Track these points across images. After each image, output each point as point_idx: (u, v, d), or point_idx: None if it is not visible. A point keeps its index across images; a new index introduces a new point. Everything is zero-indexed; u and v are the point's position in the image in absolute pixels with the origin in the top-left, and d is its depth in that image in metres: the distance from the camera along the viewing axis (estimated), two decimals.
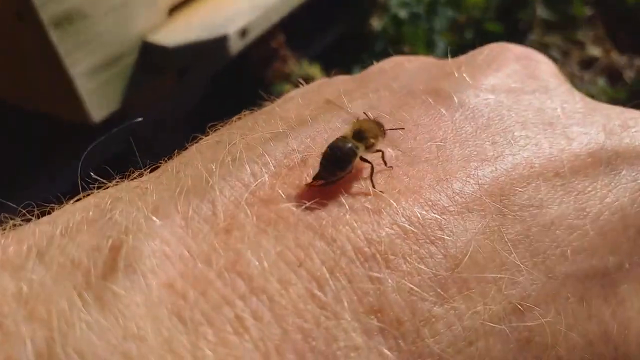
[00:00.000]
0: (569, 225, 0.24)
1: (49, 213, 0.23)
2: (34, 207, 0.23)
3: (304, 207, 0.22)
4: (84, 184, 0.25)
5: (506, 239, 0.23)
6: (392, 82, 0.31)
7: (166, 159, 0.27)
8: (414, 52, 1.70)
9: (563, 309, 0.23)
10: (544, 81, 0.31)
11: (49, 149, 1.05)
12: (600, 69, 1.93)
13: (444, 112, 0.27)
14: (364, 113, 0.27)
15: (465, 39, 1.84)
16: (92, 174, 0.26)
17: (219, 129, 0.29)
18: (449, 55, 0.33)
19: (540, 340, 0.23)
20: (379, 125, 0.26)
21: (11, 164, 1.01)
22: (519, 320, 0.22)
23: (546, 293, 0.23)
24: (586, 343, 0.24)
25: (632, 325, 0.25)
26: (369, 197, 0.23)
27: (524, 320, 0.22)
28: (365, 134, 0.25)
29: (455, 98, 0.28)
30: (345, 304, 0.19)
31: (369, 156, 0.25)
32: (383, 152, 0.25)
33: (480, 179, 0.24)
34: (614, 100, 1.73)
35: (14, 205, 0.24)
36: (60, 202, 0.24)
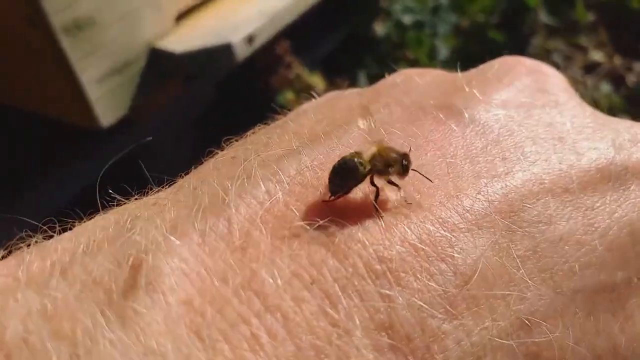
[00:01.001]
0: (577, 241, 0.25)
1: (70, 229, 0.24)
2: (56, 224, 0.24)
3: (317, 225, 0.22)
4: (90, 197, 0.26)
5: (515, 255, 0.23)
6: (403, 96, 0.31)
7: (183, 173, 0.28)
8: (417, 57, 1.71)
9: (571, 324, 0.23)
10: (554, 95, 0.31)
11: (53, 153, 1.05)
12: (603, 74, 1.94)
13: (454, 127, 0.28)
14: (406, 145, 0.27)
15: (468, 44, 1.84)
16: (103, 188, 0.26)
17: (233, 143, 0.30)
18: (458, 67, 0.33)
19: (548, 355, 0.23)
20: (402, 157, 0.26)
21: (16, 168, 1.02)
22: (526, 335, 0.22)
23: (554, 308, 0.23)
24: (594, 357, 0.24)
25: None
26: (381, 214, 0.23)
27: (532, 336, 0.23)
28: (379, 159, 0.25)
29: (465, 114, 0.28)
30: (357, 321, 0.20)
31: (381, 183, 0.25)
32: (399, 188, 0.25)
33: (490, 196, 0.24)
34: (617, 106, 1.74)
35: (32, 221, 0.25)
36: (65, 212, 0.25)
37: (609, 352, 0.24)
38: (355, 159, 0.25)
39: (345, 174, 0.25)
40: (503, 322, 0.22)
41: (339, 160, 0.25)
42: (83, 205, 0.26)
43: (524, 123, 0.28)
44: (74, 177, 0.98)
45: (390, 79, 0.34)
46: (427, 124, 0.28)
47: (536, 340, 0.23)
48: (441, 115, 0.28)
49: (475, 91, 0.30)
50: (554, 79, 0.32)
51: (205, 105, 1.29)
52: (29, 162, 1.05)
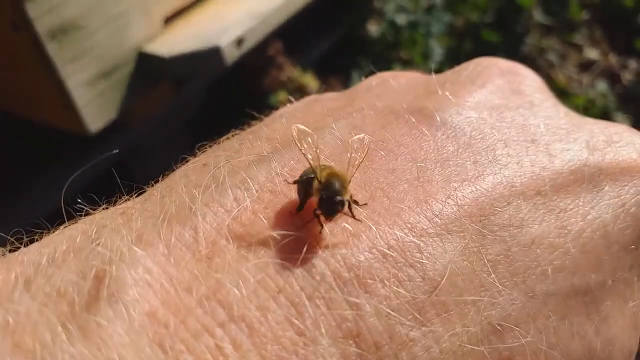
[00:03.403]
0: (550, 244, 0.24)
1: (38, 240, 0.23)
2: (23, 235, 0.24)
3: (284, 232, 0.22)
4: (71, 205, 0.26)
5: (485, 260, 0.23)
6: (376, 100, 0.31)
7: (162, 175, 0.27)
8: (411, 58, 1.70)
9: (544, 328, 0.23)
10: (529, 96, 0.31)
11: (42, 158, 1.05)
12: (598, 72, 1.93)
13: (426, 131, 0.27)
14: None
15: (462, 44, 1.84)
16: (79, 196, 0.26)
17: (206, 149, 0.29)
18: (438, 60, 0.33)
19: None
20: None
21: (4, 172, 1.01)
22: (498, 340, 0.22)
23: (527, 313, 0.23)
24: None
25: (617, 342, 0.25)
26: (349, 221, 0.23)
27: (504, 341, 0.22)
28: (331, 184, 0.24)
29: (437, 117, 0.28)
30: (324, 330, 0.20)
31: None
32: (350, 204, 0.23)
33: (460, 200, 0.24)
34: (612, 104, 1.73)
35: None
36: (48, 228, 0.24)
37: (584, 355, 0.24)
38: (312, 175, 0.24)
39: (302, 187, 0.24)
40: (474, 327, 0.22)
41: (303, 172, 0.25)
42: (67, 213, 0.25)
43: (497, 125, 0.28)
44: (60, 183, 0.97)
45: (366, 83, 0.34)
46: (398, 128, 0.28)
47: (508, 345, 0.22)
48: (413, 119, 0.28)
49: (447, 94, 0.30)
50: (529, 80, 0.32)
51: (197, 108, 1.29)
52: (17, 167, 1.04)
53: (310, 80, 1.27)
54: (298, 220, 0.23)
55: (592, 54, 1.98)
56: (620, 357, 0.25)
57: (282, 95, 1.27)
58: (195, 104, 1.31)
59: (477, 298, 0.22)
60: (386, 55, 1.73)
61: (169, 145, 1.17)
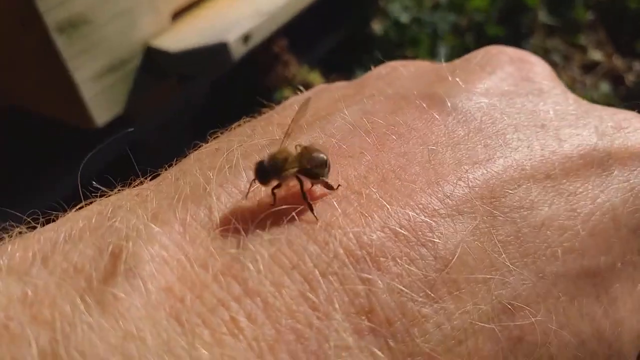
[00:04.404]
0: (559, 226, 0.25)
1: (54, 221, 0.24)
2: (39, 215, 0.24)
3: (297, 210, 0.22)
4: (85, 190, 0.26)
5: (496, 240, 0.23)
6: (387, 87, 0.31)
7: (167, 166, 0.28)
8: (416, 56, 1.71)
9: (554, 308, 0.24)
10: (538, 83, 0.31)
11: (50, 151, 1.05)
12: (602, 73, 1.93)
13: (436, 116, 0.28)
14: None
15: (467, 43, 1.84)
16: (94, 181, 0.27)
17: (218, 136, 0.30)
18: (443, 59, 0.33)
19: (532, 339, 0.23)
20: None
21: (13, 166, 1.02)
22: (509, 319, 0.23)
23: (537, 293, 0.23)
24: (578, 342, 0.24)
25: (625, 324, 0.26)
26: (362, 201, 0.23)
27: (514, 320, 0.23)
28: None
29: (448, 102, 0.28)
30: (337, 305, 0.20)
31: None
32: (301, 184, 0.24)
33: (471, 182, 0.25)
34: (615, 106, 1.73)
35: (17, 213, 0.25)
36: (63, 209, 0.25)
37: (593, 336, 0.25)
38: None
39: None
40: (484, 306, 0.22)
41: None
42: (75, 205, 0.26)
43: (507, 111, 0.29)
44: (65, 175, 0.98)
45: (376, 71, 0.34)
46: (409, 113, 0.28)
47: (519, 323, 0.23)
48: (424, 104, 0.28)
49: (458, 80, 0.30)
50: (538, 68, 0.33)
51: (202, 103, 1.29)
52: (23, 159, 1.05)
53: (315, 78, 1.28)
54: (311, 199, 0.23)
55: (596, 55, 1.98)
56: (628, 338, 0.26)
57: (287, 92, 1.28)
58: (201, 99, 1.31)
59: (488, 276, 0.23)
60: (391, 53, 1.73)
61: (174, 141, 1.17)
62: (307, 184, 0.25)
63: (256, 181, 0.24)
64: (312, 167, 0.24)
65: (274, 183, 0.24)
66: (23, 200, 0.98)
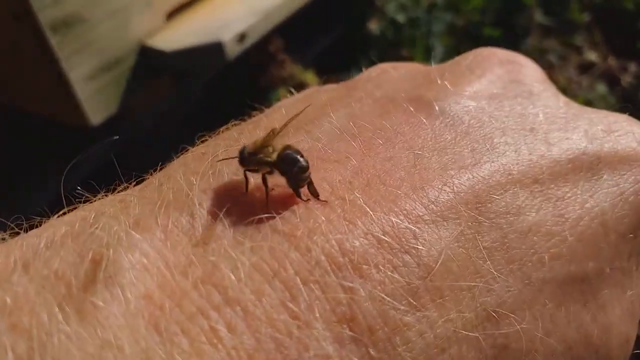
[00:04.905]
0: (547, 232, 0.24)
1: (38, 226, 0.23)
2: (23, 221, 0.24)
3: (280, 217, 0.22)
4: (78, 190, 0.26)
5: (481, 247, 0.23)
6: (376, 89, 0.31)
7: (155, 168, 0.28)
8: (412, 56, 1.71)
9: (540, 315, 0.23)
10: (528, 85, 0.31)
11: (43, 151, 1.05)
12: (598, 74, 1.94)
13: (424, 120, 0.27)
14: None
15: (463, 43, 1.84)
16: (88, 184, 0.27)
17: (206, 139, 0.30)
18: (439, 60, 0.33)
19: (517, 347, 0.23)
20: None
21: (4, 166, 1.01)
22: (493, 327, 0.22)
23: (522, 300, 0.23)
24: (565, 348, 0.24)
25: (613, 330, 0.25)
26: (346, 207, 0.23)
27: (499, 328, 0.22)
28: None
29: (436, 106, 0.28)
30: (318, 313, 0.20)
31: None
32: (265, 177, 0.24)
33: (457, 187, 0.24)
34: (612, 106, 1.74)
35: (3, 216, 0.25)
36: (48, 215, 0.25)
37: (581, 342, 0.24)
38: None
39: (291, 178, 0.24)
40: (469, 313, 0.22)
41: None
42: (66, 205, 0.26)
43: (495, 114, 0.28)
44: (58, 175, 0.98)
45: (366, 73, 0.34)
46: (396, 117, 0.28)
47: (503, 331, 0.22)
48: (411, 108, 0.28)
49: (446, 83, 0.30)
50: (528, 70, 0.32)
51: (197, 102, 1.29)
52: (15, 159, 1.04)
53: (311, 78, 1.27)
54: (295, 205, 0.23)
55: (592, 56, 1.98)
56: (617, 344, 0.25)
57: (282, 92, 1.27)
58: (195, 99, 1.31)
59: (472, 284, 0.22)
60: (387, 53, 1.73)
61: (168, 140, 1.17)
62: (282, 182, 0.24)
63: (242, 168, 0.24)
64: (286, 165, 0.24)
65: (252, 167, 0.24)
66: (15, 196, 0.98)
